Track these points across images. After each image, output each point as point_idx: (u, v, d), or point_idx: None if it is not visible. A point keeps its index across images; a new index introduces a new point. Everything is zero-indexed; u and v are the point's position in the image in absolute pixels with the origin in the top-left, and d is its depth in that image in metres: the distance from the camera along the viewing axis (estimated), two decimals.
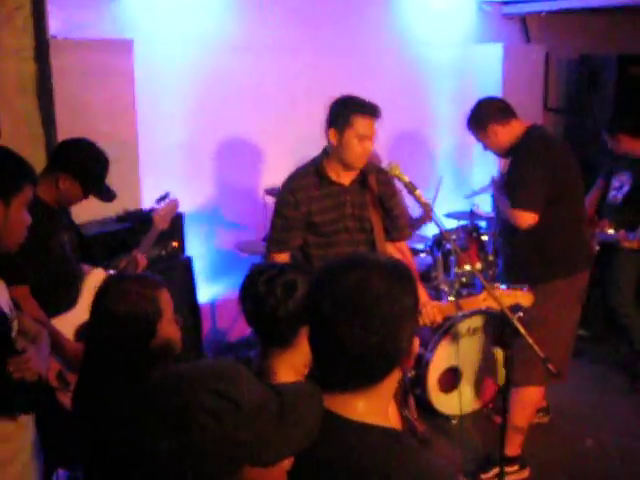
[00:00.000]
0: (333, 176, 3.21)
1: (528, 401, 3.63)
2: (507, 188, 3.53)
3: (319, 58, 5.16)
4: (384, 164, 3.25)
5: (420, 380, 4.07)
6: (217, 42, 4.74)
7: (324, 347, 1.36)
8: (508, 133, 3.58)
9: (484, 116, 3.65)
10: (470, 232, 4.71)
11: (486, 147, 3.70)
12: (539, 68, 6.17)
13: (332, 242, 3.23)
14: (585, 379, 4.62)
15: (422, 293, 3.38)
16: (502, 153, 3.69)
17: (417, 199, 3.02)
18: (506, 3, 6.01)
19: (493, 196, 3.83)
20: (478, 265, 4.58)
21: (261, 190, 4.90)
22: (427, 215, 3.03)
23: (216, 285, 5.07)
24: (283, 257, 3.24)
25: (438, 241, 4.58)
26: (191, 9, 4.63)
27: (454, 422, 4.16)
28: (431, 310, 3.21)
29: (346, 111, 3.09)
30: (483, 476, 3.68)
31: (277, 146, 5.04)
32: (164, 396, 1.13)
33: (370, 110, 3.09)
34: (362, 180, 3.26)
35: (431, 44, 5.77)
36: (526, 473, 3.71)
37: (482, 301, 3.18)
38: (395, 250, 3.40)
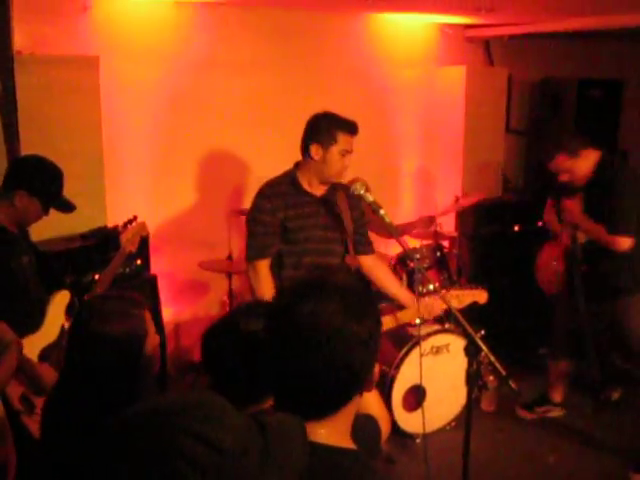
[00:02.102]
0: (308, 188, 3.31)
1: None
2: (604, 215, 3.71)
3: (285, 76, 5.20)
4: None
5: (384, 399, 4.08)
6: (185, 59, 4.77)
7: (282, 381, 1.33)
8: (594, 159, 3.77)
9: (581, 140, 3.80)
10: (434, 251, 4.76)
11: (568, 177, 3.83)
12: (501, 90, 6.26)
13: (305, 250, 3.29)
14: None
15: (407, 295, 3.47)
16: (584, 181, 3.81)
17: (381, 218, 3.04)
18: (469, 27, 6.12)
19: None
20: (441, 284, 4.63)
21: (226, 208, 4.91)
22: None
23: (180, 304, 5.05)
24: (264, 264, 3.28)
25: (402, 260, 4.61)
26: (158, 26, 4.64)
27: (418, 441, 4.17)
28: (428, 304, 3.34)
29: (332, 128, 3.19)
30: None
31: (244, 164, 5.06)
32: (139, 438, 1.04)
33: (353, 128, 3.23)
34: (332, 194, 3.36)
35: (395, 65, 5.84)
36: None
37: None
38: (366, 266, 3.46)
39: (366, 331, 1.31)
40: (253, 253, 3.29)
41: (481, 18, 5.51)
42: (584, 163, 3.74)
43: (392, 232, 3.07)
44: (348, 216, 3.38)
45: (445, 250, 4.99)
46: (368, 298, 1.37)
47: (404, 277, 4.50)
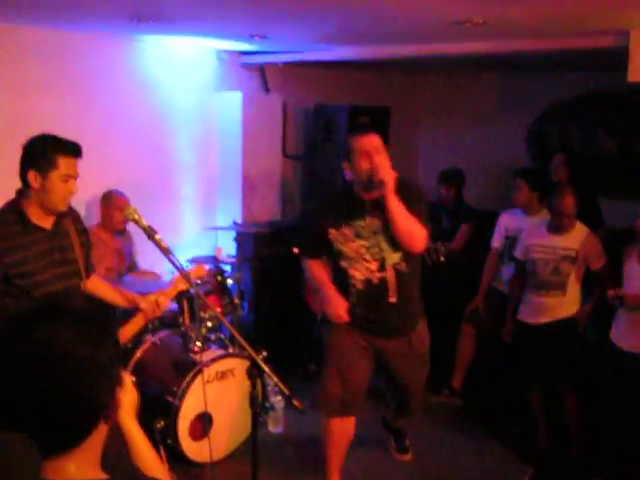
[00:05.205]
0: (37, 221, 3.00)
1: None
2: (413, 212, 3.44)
3: (56, 99, 4.95)
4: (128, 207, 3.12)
5: (170, 430, 3.97)
6: None
7: (11, 411, 1.25)
8: None
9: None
10: (214, 275, 4.72)
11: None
12: (277, 116, 6.42)
13: (45, 292, 2.98)
14: None
15: (132, 295, 3.40)
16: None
17: (156, 244, 2.95)
18: (245, 53, 6.21)
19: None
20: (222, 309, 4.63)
21: None
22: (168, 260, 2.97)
23: None
24: None
25: None
26: None
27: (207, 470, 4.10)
28: (152, 304, 3.30)
29: (49, 151, 2.91)
30: None
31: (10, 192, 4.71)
32: None
33: (74, 150, 2.96)
34: (61, 222, 3.10)
35: (173, 91, 5.79)
36: None
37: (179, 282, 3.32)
38: (94, 286, 3.36)
39: (103, 356, 1.29)
40: None
41: (255, 45, 5.61)
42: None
43: (168, 258, 2.98)
44: (77, 242, 3.17)
45: (226, 274, 4.97)
46: (106, 323, 1.35)
47: (185, 304, 4.41)
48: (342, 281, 3.61)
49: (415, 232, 3.43)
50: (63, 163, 2.92)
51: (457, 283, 5.41)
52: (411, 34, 4.80)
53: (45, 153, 2.91)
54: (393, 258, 3.53)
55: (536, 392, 4.49)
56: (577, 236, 4.23)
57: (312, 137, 6.89)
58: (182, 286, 3.39)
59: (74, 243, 3.14)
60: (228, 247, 5.66)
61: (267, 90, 6.58)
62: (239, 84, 6.32)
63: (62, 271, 3.08)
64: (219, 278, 4.75)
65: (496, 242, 5.07)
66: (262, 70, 6.54)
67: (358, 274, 3.56)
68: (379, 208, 3.45)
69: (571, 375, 4.29)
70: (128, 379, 1.69)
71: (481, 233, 5.33)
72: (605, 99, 6.74)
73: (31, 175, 2.91)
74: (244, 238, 5.69)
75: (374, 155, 3.40)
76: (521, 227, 4.69)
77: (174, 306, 4.60)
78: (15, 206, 3.00)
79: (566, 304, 4.26)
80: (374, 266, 3.53)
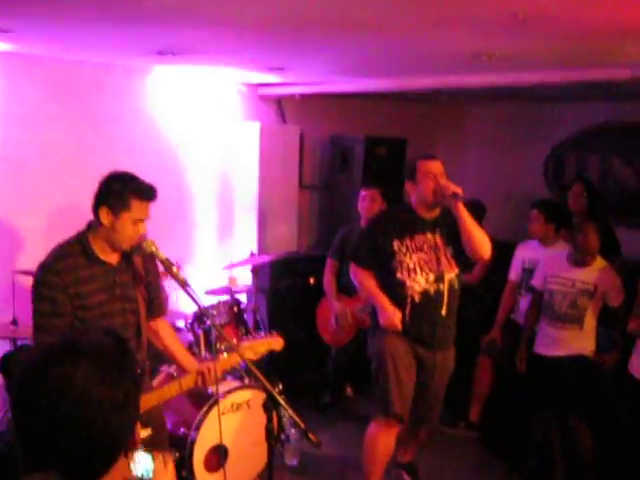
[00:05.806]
0: (101, 255, 2.99)
1: None
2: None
3: (80, 131, 5.02)
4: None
5: (185, 461, 3.94)
6: None
7: (34, 448, 1.27)
8: None
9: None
10: (231, 307, 4.73)
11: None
12: (294, 147, 6.45)
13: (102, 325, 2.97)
14: None
15: (192, 361, 3.34)
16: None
17: (174, 276, 2.95)
18: (262, 85, 6.27)
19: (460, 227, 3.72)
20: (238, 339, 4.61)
21: (11, 268, 4.59)
22: (184, 291, 2.97)
23: None
24: None
25: (198, 318, 4.53)
26: None
27: None
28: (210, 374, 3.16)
29: (125, 192, 2.89)
30: None
31: (30, 222, 4.77)
32: None
33: (149, 194, 2.95)
34: (128, 258, 3.10)
35: (191, 122, 5.85)
36: None
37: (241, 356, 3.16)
38: (158, 329, 3.33)
39: (121, 394, 1.30)
40: (41, 335, 2.91)
41: (273, 77, 5.67)
42: None
43: (186, 290, 2.97)
44: (141, 283, 3.15)
45: (242, 305, 4.98)
46: (124, 360, 1.36)
47: (201, 335, 4.41)
48: (396, 293, 3.75)
49: (485, 240, 3.73)
50: (136, 206, 2.90)
51: (474, 315, 5.37)
52: (427, 67, 4.82)
53: (120, 193, 2.89)
54: (450, 274, 3.77)
55: (552, 425, 4.42)
56: (597, 270, 4.21)
57: (328, 168, 6.93)
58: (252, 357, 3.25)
59: (135, 282, 3.12)
60: (244, 277, 5.67)
61: (284, 121, 6.63)
62: (257, 115, 6.38)
63: (121, 307, 3.05)
64: (235, 309, 4.76)
65: (513, 274, 5.06)
66: (279, 102, 6.60)
67: (416, 285, 3.73)
68: (438, 226, 3.78)
69: (584, 409, 4.24)
70: (170, 460, 1.67)
71: (499, 265, 5.30)
72: (622, 129, 6.73)
73: (103, 211, 2.89)
74: (260, 268, 5.71)
75: (439, 177, 3.70)
76: (538, 258, 4.68)
77: (190, 337, 4.62)
78: (82, 238, 2.98)
79: (582, 338, 4.22)
80: (432, 278, 3.73)
